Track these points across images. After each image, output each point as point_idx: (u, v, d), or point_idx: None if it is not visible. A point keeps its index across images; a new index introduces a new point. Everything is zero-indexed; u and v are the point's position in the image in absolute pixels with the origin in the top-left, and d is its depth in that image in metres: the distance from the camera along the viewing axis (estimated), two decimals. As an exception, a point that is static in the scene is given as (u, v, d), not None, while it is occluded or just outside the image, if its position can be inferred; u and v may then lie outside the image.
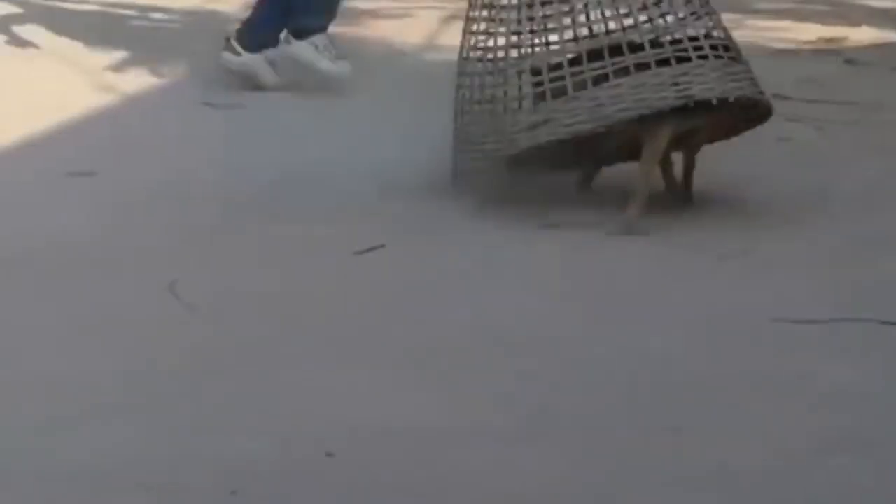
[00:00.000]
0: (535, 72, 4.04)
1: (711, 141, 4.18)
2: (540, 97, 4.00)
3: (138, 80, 5.12)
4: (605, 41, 4.00)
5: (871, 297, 3.46)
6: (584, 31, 4.09)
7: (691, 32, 4.05)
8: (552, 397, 2.95)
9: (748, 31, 6.03)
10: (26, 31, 5.56)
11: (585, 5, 4.08)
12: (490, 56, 4.10)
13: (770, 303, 3.42)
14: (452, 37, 5.56)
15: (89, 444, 2.72)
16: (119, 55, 5.34)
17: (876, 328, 3.28)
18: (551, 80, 3.96)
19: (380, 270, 3.62)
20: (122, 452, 2.70)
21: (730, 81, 3.99)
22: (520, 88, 4.07)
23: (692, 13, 4.09)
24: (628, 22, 4.04)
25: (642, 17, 4.03)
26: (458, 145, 4.13)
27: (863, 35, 5.98)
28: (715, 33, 4.09)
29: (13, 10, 5.82)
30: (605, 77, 3.94)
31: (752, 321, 3.32)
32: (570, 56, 4.04)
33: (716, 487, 2.61)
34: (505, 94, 4.07)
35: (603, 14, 4.06)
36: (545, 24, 4.09)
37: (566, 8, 4.07)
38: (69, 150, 4.43)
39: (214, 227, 3.85)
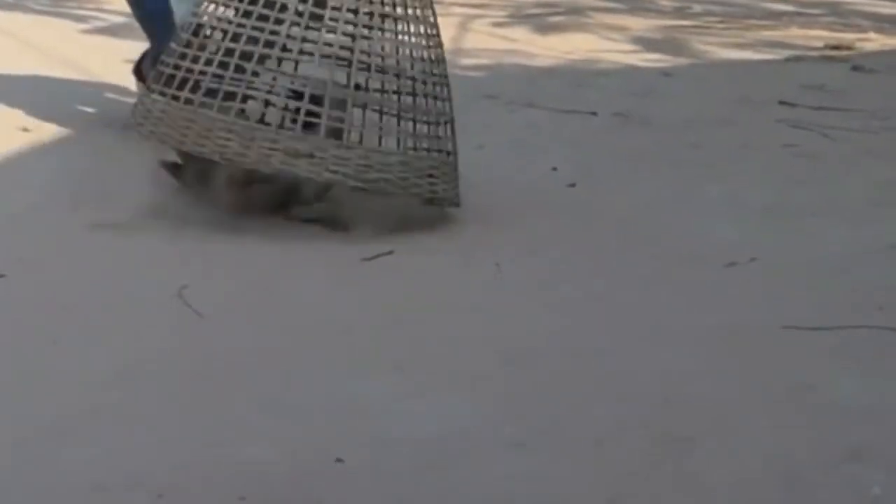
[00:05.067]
0: (296, 93, 3.78)
1: None
2: (309, 125, 3.70)
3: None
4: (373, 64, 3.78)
5: (880, 304, 3.45)
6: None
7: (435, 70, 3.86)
8: (563, 409, 2.94)
9: (755, 36, 6.04)
10: None
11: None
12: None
13: (779, 310, 3.41)
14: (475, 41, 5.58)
15: (94, 450, 2.71)
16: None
17: (887, 335, 3.27)
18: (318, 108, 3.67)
19: (388, 277, 3.61)
20: (128, 458, 2.69)
21: (454, 184, 3.88)
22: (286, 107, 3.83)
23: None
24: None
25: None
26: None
27: (870, 42, 5.99)
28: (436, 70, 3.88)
29: None
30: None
31: (762, 328, 3.31)
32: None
33: (728, 498, 2.61)
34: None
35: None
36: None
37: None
38: None
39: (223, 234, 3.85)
